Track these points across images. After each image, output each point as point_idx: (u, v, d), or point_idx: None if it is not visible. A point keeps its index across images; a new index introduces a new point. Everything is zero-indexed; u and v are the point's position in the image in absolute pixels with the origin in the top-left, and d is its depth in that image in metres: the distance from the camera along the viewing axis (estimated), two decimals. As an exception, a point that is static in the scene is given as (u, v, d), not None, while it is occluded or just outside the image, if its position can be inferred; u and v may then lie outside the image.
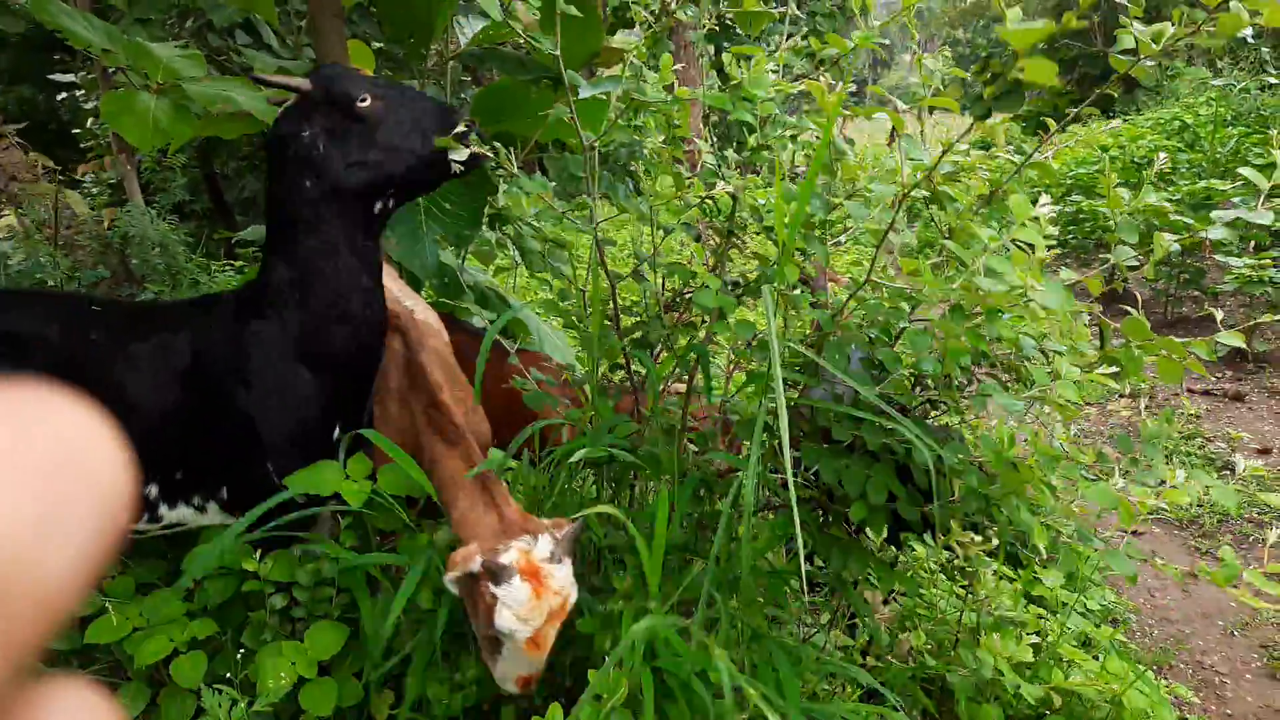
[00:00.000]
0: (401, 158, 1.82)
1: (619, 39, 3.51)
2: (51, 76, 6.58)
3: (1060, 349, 1.57)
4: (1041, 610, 2.36)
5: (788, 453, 1.33)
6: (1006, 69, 1.33)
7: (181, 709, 1.75)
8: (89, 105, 6.53)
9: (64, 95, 7.00)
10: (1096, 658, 2.16)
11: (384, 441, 1.87)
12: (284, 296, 1.87)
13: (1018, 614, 2.07)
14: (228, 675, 1.76)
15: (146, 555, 2.15)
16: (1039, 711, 2.00)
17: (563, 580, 1.56)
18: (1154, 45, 1.40)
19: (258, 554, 1.82)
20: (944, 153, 1.53)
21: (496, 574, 1.51)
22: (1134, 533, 4.13)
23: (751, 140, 1.82)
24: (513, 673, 1.60)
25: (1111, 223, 1.60)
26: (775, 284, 1.53)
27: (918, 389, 1.83)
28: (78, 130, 6.92)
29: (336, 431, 1.96)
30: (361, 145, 1.80)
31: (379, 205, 1.88)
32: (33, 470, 0.30)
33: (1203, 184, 7.13)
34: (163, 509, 1.94)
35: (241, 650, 1.82)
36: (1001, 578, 2.36)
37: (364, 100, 1.78)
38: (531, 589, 1.51)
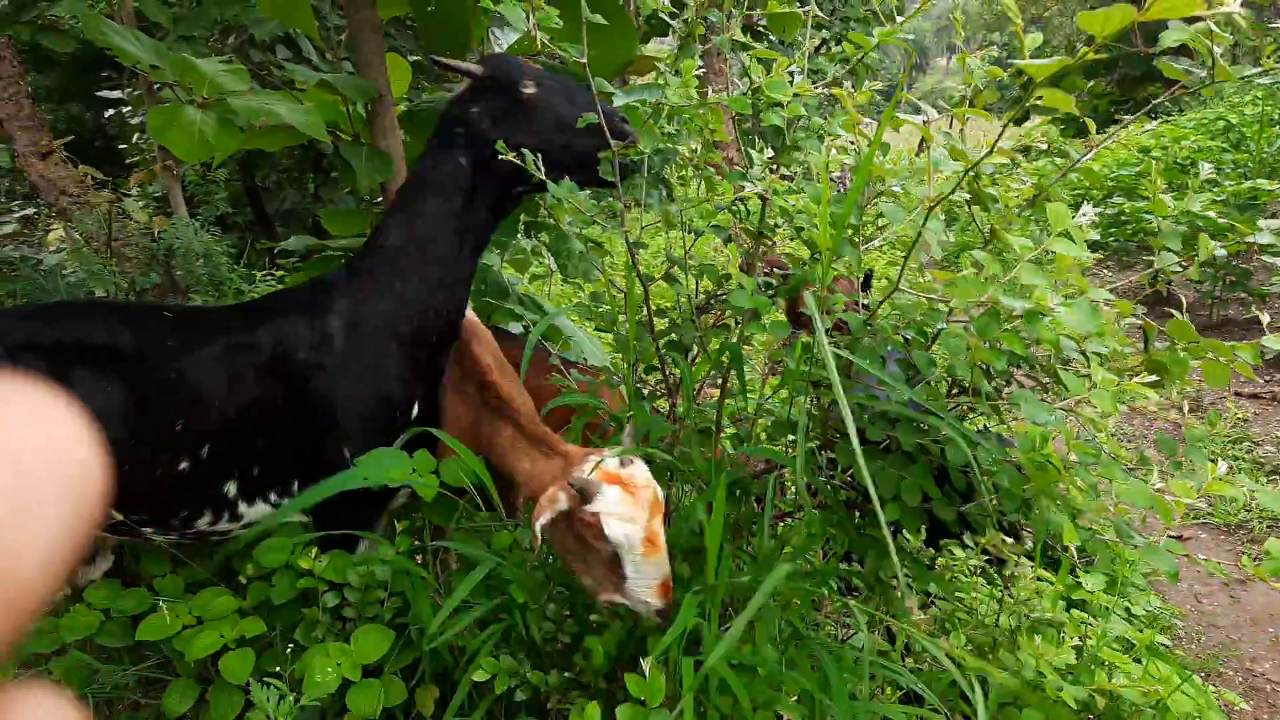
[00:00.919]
0: (554, 146, 1.90)
1: (652, 47, 3.54)
2: (100, 94, 6.78)
3: (1103, 350, 1.55)
4: (1083, 615, 2.33)
5: (858, 449, 1.34)
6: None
7: (230, 704, 1.79)
8: (135, 121, 6.71)
9: (111, 112, 7.20)
10: (1139, 661, 2.12)
11: (445, 435, 1.92)
12: (392, 264, 1.97)
13: (1057, 616, 2.05)
14: (277, 670, 1.79)
15: (195, 556, 2.20)
16: (1081, 717, 1.97)
17: (645, 476, 1.63)
18: (1212, 45, 1.38)
19: (313, 553, 1.86)
20: (989, 151, 1.52)
21: (585, 490, 1.58)
22: (1179, 537, 4.05)
23: (783, 143, 1.83)
24: (647, 586, 1.63)
25: (1156, 227, 1.58)
26: (815, 284, 1.54)
27: (954, 392, 1.83)
28: (124, 146, 7.11)
29: (416, 409, 2.01)
30: (519, 129, 1.90)
31: (520, 188, 1.98)
32: (4, 464, 0.30)
33: (1249, 184, 6.97)
34: (242, 506, 1.99)
35: (291, 646, 1.86)
36: (1040, 580, 2.33)
37: (527, 87, 1.87)
38: (621, 489, 1.58)
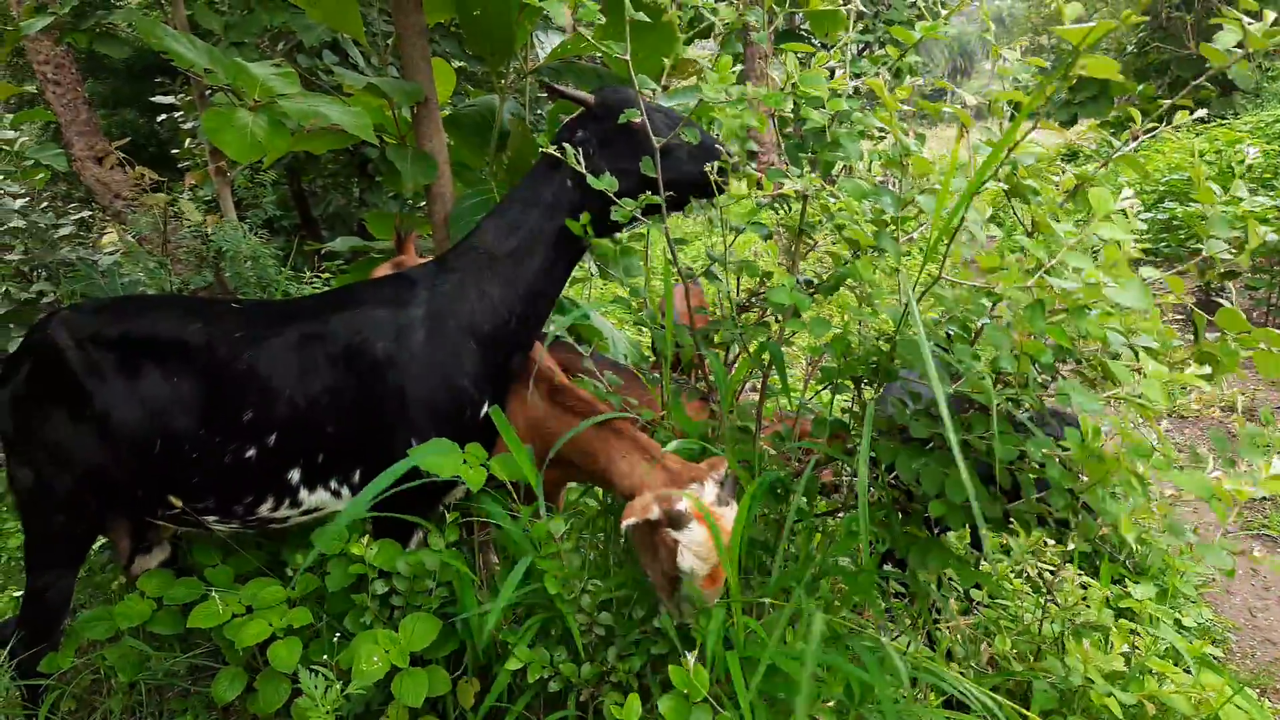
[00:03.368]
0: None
1: (694, 51, 3.54)
2: (153, 99, 6.95)
3: (1152, 343, 1.52)
4: (1131, 624, 2.28)
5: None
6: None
7: (277, 692, 1.82)
8: (187, 126, 6.87)
9: (163, 117, 7.38)
10: (1189, 672, 2.07)
11: (508, 432, 1.95)
12: (484, 266, 2.04)
13: (1104, 620, 2.00)
14: (324, 659, 1.82)
15: (245, 546, 2.25)
16: (1129, 726, 1.93)
17: (730, 522, 1.68)
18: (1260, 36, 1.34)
19: (365, 540, 1.90)
20: (1025, 134, 1.48)
21: (677, 520, 1.63)
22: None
23: (823, 141, 1.81)
24: (691, 608, 1.71)
25: (1203, 218, 1.54)
26: (855, 280, 1.53)
27: (999, 386, 1.80)
28: (176, 150, 7.29)
29: (485, 409, 2.05)
30: (626, 154, 1.99)
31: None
32: None
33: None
34: (303, 493, 2.04)
35: (337, 636, 1.89)
36: (1085, 586, 2.29)
37: (635, 115, 1.94)
38: (706, 531, 1.63)
